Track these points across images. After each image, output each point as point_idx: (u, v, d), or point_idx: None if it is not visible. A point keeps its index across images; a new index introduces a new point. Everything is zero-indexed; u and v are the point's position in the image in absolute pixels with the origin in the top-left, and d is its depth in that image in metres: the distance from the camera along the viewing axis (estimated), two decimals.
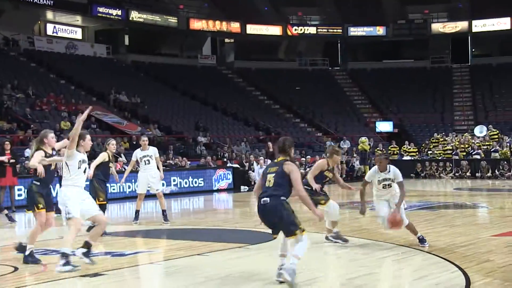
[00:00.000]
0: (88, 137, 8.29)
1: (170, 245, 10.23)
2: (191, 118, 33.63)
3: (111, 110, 30.92)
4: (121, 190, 20.18)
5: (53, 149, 8.78)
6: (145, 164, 12.85)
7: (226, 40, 48.11)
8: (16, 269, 8.12)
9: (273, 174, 6.95)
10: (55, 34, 39.40)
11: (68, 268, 7.49)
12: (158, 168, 12.96)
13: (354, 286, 6.89)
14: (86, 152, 8.36)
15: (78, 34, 40.88)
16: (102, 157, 11.45)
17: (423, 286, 6.75)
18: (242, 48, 47.11)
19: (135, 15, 40.87)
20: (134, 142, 26.60)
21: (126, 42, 43.01)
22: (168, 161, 24.11)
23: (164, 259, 8.97)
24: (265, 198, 6.91)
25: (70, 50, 38.41)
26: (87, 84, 34.06)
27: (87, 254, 7.78)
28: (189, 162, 24.83)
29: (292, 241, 6.74)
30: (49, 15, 39.22)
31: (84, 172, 8.07)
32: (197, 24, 43.84)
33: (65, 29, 40.06)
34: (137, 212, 12.94)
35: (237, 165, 25.65)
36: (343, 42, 48.28)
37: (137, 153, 12.97)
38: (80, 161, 7.97)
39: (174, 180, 22.27)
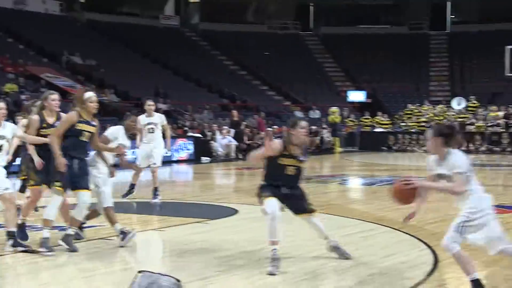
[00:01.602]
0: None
1: (124, 219, 10.17)
2: (151, 83, 33.32)
3: (63, 73, 30.52)
4: None
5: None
6: (149, 132, 12.18)
7: None
8: None
9: None
10: None
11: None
12: (165, 138, 12.30)
13: (320, 263, 6.98)
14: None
15: None
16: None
17: (390, 264, 6.87)
18: (208, 9, 46.67)
19: None
20: None
21: None
22: None
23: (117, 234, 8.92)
24: None
25: (18, 6, 37.62)
26: (37, 44, 33.49)
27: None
28: None
29: None
30: None
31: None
32: None
33: None
34: (133, 186, 12.13)
35: (198, 135, 25.60)
36: (316, 5, 48.14)
37: (141, 120, 12.03)
38: None
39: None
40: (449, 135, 5.58)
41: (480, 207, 5.51)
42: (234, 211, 10.83)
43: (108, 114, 27.63)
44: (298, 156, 7.02)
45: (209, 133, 25.69)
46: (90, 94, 7.71)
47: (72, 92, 27.56)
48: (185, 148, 24.17)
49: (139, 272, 5.72)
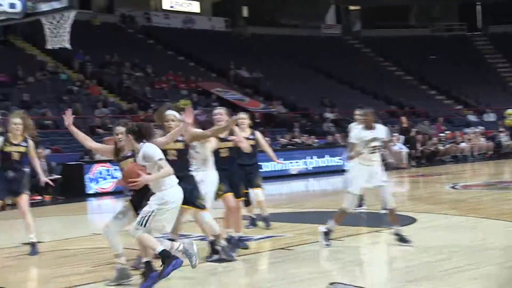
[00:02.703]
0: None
1: (300, 229, 10.20)
2: (316, 93, 33.52)
3: (231, 87, 31.39)
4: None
5: None
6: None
7: (351, 7, 47.48)
8: None
9: None
10: (171, 9, 40.43)
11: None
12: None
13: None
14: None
15: (195, 7, 41.75)
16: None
17: None
18: (369, 15, 46.33)
19: None
20: (258, 120, 26.87)
21: (245, 13, 43.41)
22: (294, 140, 24.17)
23: (295, 244, 8.94)
24: None
25: (187, 25, 39.30)
26: (206, 60, 34.74)
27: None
28: (316, 140, 24.77)
29: None
30: None
31: None
32: None
33: (182, 3, 41.02)
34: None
35: None
36: (483, 3, 46.34)
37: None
38: None
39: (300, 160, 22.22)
40: (137, 133, 6.29)
41: (168, 198, 6.24)
42: (412, 220, 10.51)
43: (277, 126, 28.16)
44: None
45: None
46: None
47: (240, 105, 28.37)
48: None
49: (331, 284, 5.67)
